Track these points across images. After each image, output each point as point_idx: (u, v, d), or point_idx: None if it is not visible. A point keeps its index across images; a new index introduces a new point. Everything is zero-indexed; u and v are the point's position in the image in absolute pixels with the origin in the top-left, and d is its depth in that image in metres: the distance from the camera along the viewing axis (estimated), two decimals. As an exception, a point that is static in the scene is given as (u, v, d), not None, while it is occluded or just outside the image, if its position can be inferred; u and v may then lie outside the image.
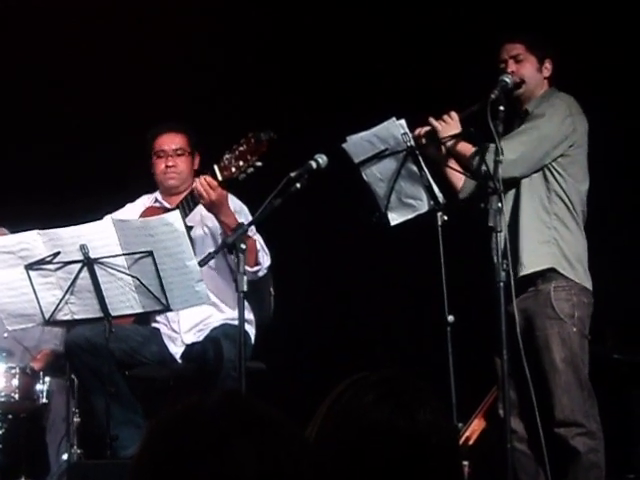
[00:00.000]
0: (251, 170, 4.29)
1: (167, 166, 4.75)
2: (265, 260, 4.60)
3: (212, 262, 4.32)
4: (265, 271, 4.64)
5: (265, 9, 6.01)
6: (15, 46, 6.03)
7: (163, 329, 4.76)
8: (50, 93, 6.09)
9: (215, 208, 4.43)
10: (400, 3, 5.77)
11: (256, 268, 4.53)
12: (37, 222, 4.25)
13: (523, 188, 4.21)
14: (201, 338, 4.66)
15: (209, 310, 4.66)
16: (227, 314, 4.69)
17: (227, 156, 4.33)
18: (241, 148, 4.30)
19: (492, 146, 4.03)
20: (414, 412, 1.55)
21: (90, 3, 5.97)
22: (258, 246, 4.56)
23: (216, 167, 4.37)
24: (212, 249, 4.56)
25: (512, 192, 4.21)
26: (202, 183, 4.35)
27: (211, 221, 4.65)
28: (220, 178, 4.36)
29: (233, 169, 4.32)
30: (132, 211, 4.82)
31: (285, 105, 5.77)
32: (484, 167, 4.03)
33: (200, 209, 4.54)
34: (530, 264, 4.15)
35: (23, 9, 5.98)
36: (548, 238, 4.18)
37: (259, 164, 4.28)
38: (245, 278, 3.93)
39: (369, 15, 5.85)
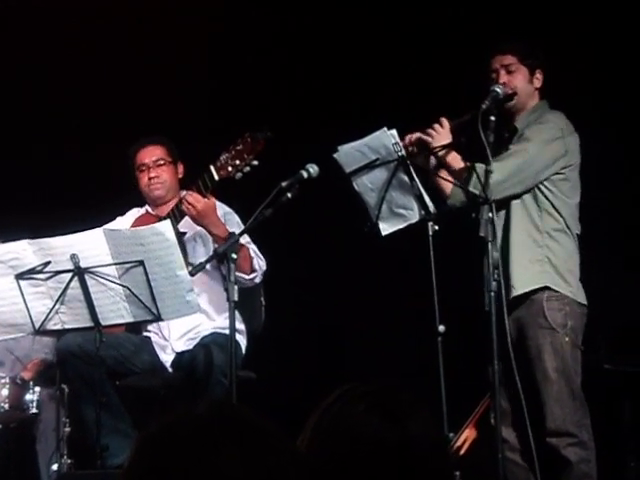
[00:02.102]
0: (247, 169, 4.34)
1: (150, 178, 4.81)
2: (261, 266, 4.64)
3: (206, 269, 4.33)
4: (262, 277, 4.66)
5: (261, 14, 6.01)
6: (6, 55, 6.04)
7: (154, 337, 4.77)
8: (46, 99, 6.08)
9: (203, 219, 4.46)
10: (396, 11, 5.77)
11: (252, 275, 4.57)
12: (27, 231, 4.25)
13: (514, 207, 4.20)
14: (191, 346, 4.66)
15: (200, 318, 4.66)
16: (218, 322, 4.69)
17: (224, 156, 4.39)
18: (238, 147, 4.35)
19: (481, 166, 4.02)
20: (404, 423, 1.55)
21: (90, 3, 5.97)
22: (252, 253, 4.58)
23: (212, 167, 4.43)
24: (205, 253, 4.58)
25: (503, 212, 4.21)
26: (187, 200, 4.43)
27: None
28: (216, 177, 4.42)
29: (230, 168, 4.37)
30: (122, 224, 4.85)
31: (276, 115, 5.76)
32: (474, 190, 4.04)
33: None
34: (521, 285, 4.14)
35: (22, 11, 5.99)
36: (540, 257, 4.17)
37: (255, 163, 4.33)
38: (236, 288, 3.94)
39: (363, 23, 5.86)
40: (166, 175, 4.82)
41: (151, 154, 4.83)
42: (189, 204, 4.44)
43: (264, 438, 1.30)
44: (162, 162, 4.82)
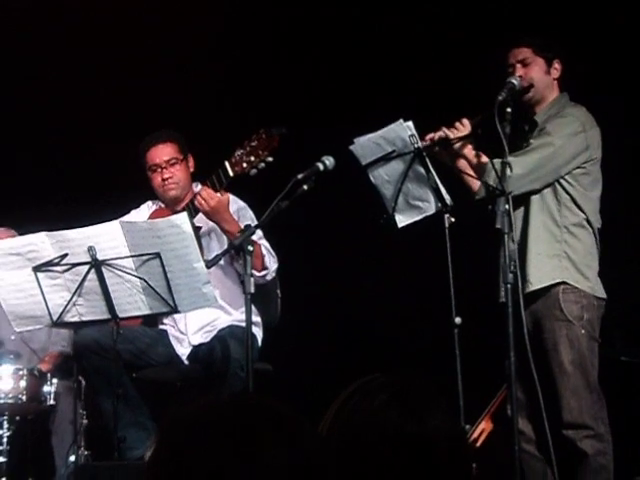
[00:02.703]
0: (262, 165, 4.34)
1: (164, 179, 4.76)
2: (272, 264, 4.62)
3: (220, 264, 4.34)
4: (273, 274, 4.66)
5: (277, 8, 6.01)
6: (16, 45, 6.06)
7: (170, 330, 4.77)
8: (54, 95, 6.09)
9: (215, 215, 4.46)
10: (411, 7, 5.77)
11: (263, 272, 4.56)
12: (45, 224, 4.26)
13: (532, 202, 4.18)
14: (208, 339, 4.67)
15: (216, 312, 4.67)
16: (234, 316, 4.70)
17: (238, 152, 4.39)
18: (253, 143, 4.35)
19: (498, 161, 4.01)
20: (423, 415, 1.55)
21: (90, 4, 5.99)
22: (264, 250, 4.57)
23: (227, 163, 4.42)
24: (219, 248, 4.59)
25: (522, 206, 4.18)
26: (200, 195, 4.43)
27: None
28: (231, 174, 4.42)
29: (244, 164, 4.36)
30: (137, 217, 4.83)
31: (293, 106, 5.77)
32: (492, 182, 4.02)
33: None
34: (538, 281, 4.12)
35: (20, 14, 6.01)
36: (558, 252, 4.15)
37: (270, 159, 4.33)
38: (252, 280, 3.94)
39: (379, 16, 5.85)
40: (180, 174, 4.77)
41: (162, 153, 4.76)
42: (202, 199, 4.43)
43: (299, 425, 1.30)
44: (174, 161, 4.75)
